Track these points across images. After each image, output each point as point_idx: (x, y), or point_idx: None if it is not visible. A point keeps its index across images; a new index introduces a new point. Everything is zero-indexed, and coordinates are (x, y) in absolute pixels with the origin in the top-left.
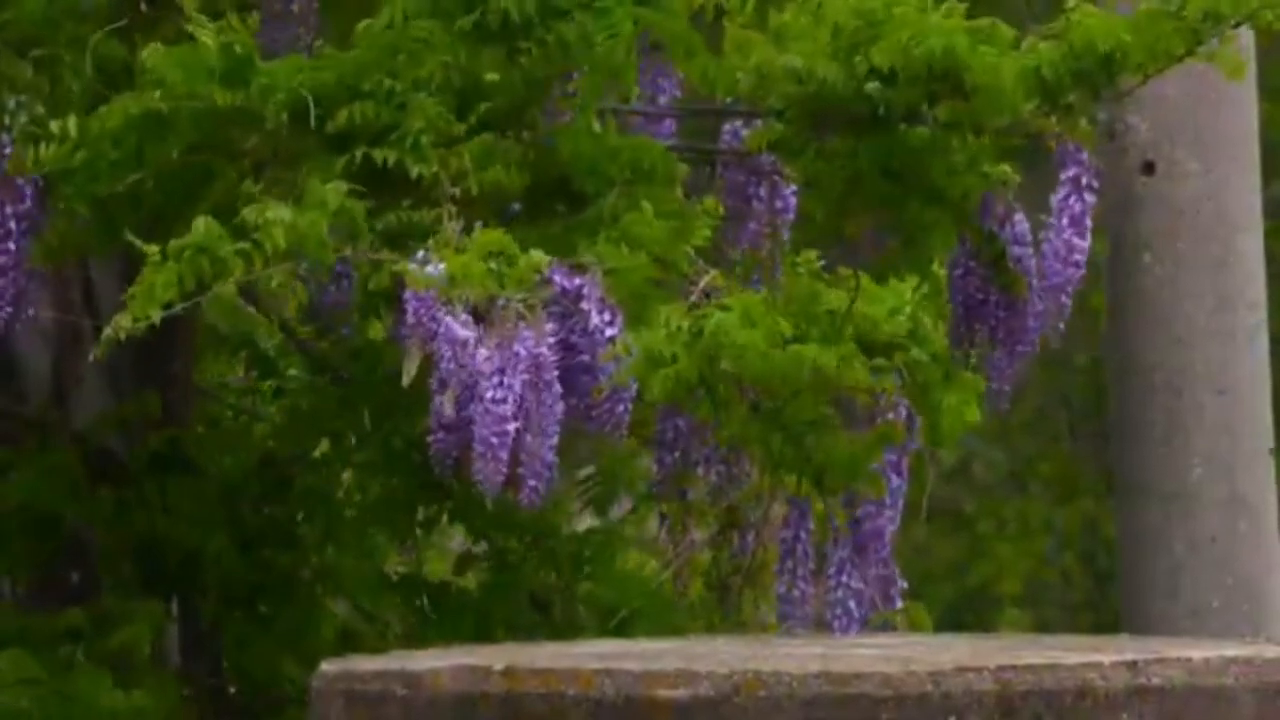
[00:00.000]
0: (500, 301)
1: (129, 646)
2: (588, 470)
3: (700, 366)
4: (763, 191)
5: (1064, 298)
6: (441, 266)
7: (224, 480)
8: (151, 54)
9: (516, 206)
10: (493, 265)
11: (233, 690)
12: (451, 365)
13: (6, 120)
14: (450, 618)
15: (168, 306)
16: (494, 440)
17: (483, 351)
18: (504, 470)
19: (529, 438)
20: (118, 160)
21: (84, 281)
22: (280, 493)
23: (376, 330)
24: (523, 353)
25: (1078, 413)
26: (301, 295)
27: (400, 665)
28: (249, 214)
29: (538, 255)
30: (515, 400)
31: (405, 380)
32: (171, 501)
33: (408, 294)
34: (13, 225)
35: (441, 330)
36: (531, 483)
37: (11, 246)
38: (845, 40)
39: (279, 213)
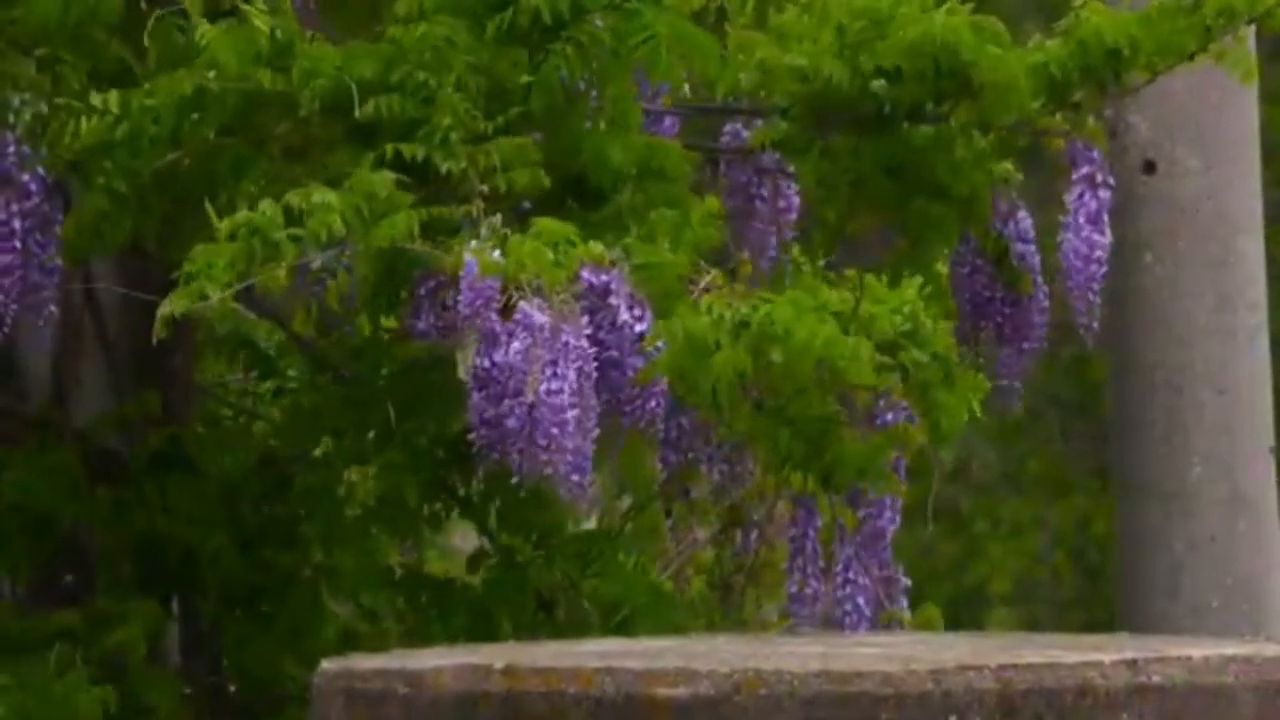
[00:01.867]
0: (540, 297)
1: (124, 647)
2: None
3: (749, 357)
4: (765, 190)
5: (1091, 295)
6: (497, 254)
7: (224, 479)
8: (208, 34)
9: (527, 205)
10: (552, 255)
11: (233, 689)
12: (517, 354)
13: (10, 119)
14: (453, 615)
15: (226, 287)
16: (555, 431)
17: (542, 341)
18: (566, 462)
19: (576, 431)
20: (156, 137)
21: (85, 281)
22: (281, 492)
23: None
24: (573, 343)
25: (1069, 411)
26: (343, 282)
27: (401, 664)
28: (294, 198)
29: (596, 247)
30: (571, 391)
31: (461, 372)
32: (172, 501)
33: (465, 283)
34: (18, 224)
35: (515, 317)
36: (576, 477)
37: (17, 245)
38: (850, 39)
39: (328, 198)
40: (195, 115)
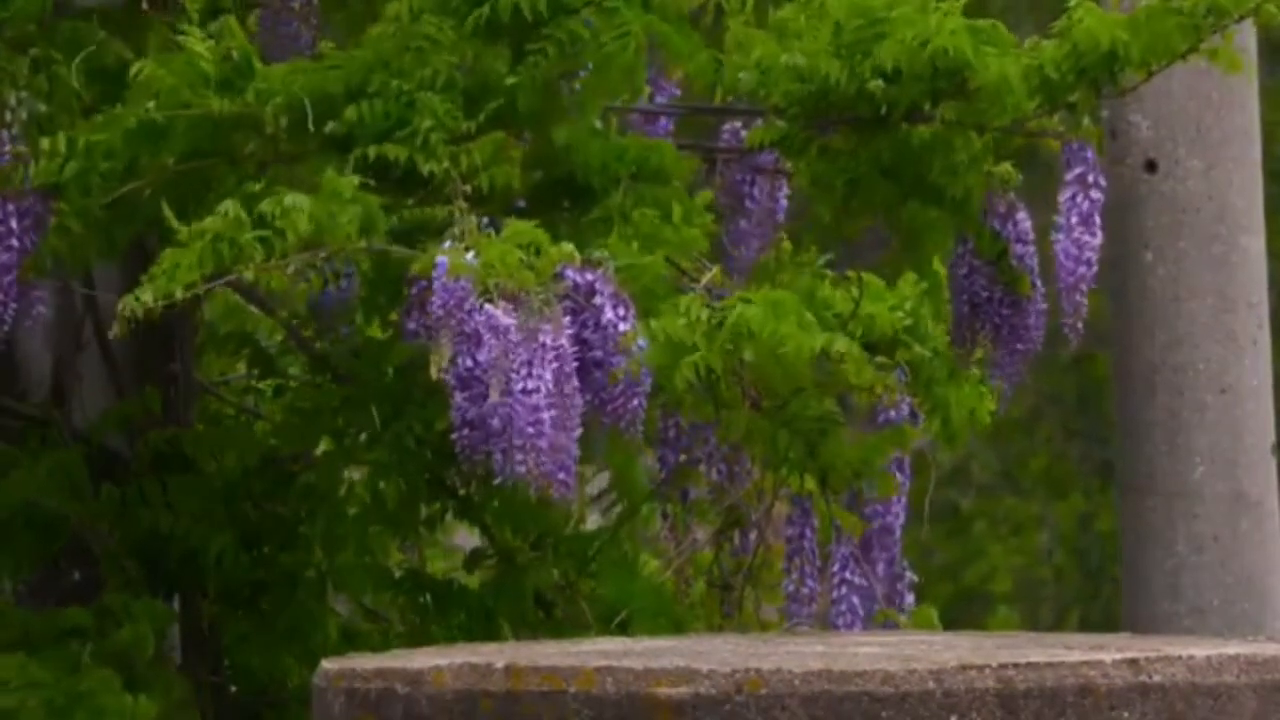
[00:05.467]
0: (521, 294)
1: (133, 645)
2: (603, 485)
3: (721, 357)
4: (757, 189)
5: (1079, 296)
6: (471, 255)
7: (226, 478)
8: (145, 67)
9: (521, 203)
10: (524, 256)
11: (234, 689)
12: (491, 354)
13: (7, 117)
14: (453, 615)
15: (188, 288)
16: (530, 430)
17: (516, 341)
18: (544, 461)
19: (557, 431)
20: (108, 171)
21: (85, 280)
22: (282, 491)
23: (375, 329)
24: (549, 343)
25: (1069, 410)
26: (317, 284)
27: (402, 663)
28: (266, 205)
29: (567, 247)
30: (547, 391)
31: (434, 373)
32: (173, 499)
33: (438, 284)
34: (14, 224)
35: (482, 318)
36: (561, 476)
37: (14, 244)
38: (847, 39)
39: (298, 201)
40: (153, 145)
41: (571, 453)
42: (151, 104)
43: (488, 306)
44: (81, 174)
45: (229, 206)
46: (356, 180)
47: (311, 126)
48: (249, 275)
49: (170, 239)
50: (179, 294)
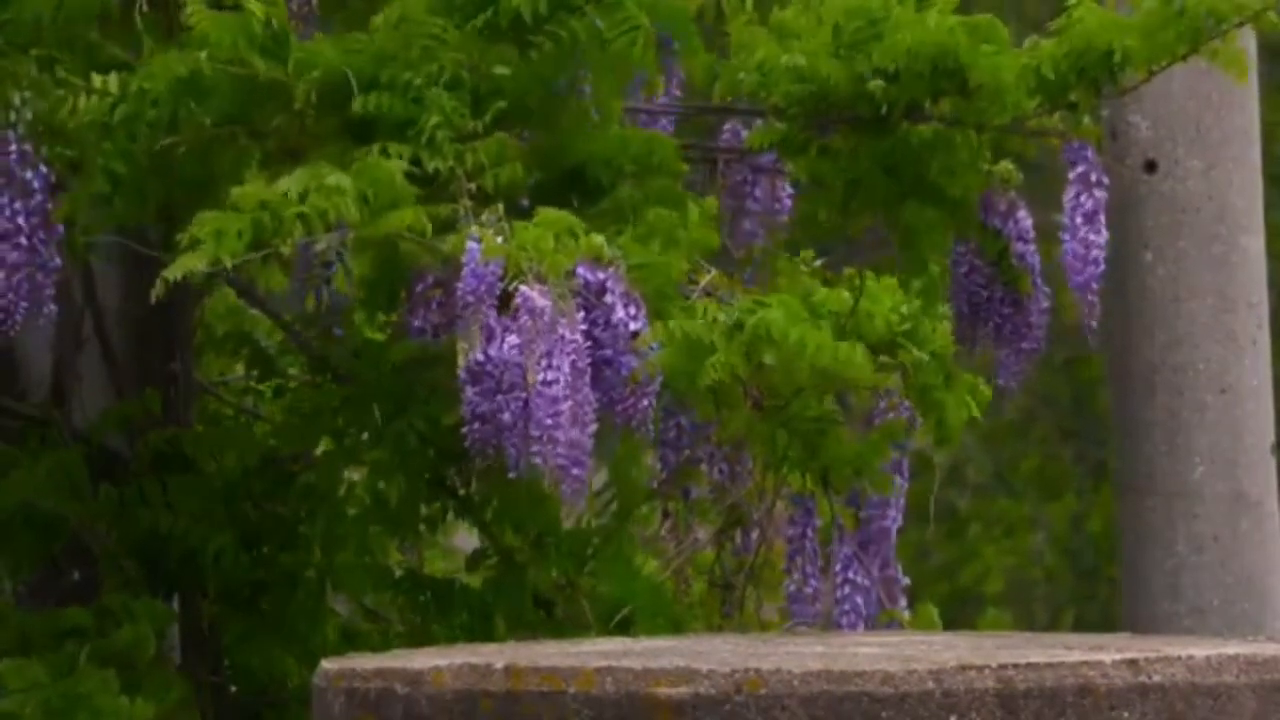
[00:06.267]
0: (539, 287)
1: (133, 646)
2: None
3: (741, 360)
4: (760, 189)
5: (1090, 295)
6: (500, 241)
7: (226, 478)
8: (197, 15)
9: (525, 202)
10: (553, 243)
11: (234, 689)
12: (521, 338)
13: (12, 117)
14: (453, 615)
15: (234, 257)
16: (548, 422)
17: (543, 329)
18: (560, 455)
19: (573, 425)
20: (154, 121)
21: (85, 279)
22: (282, 491)
23: (374, 330)
24: (568, 336)
25: (1062, 411)
26: (345, 276)
27: (402, 663)
28: (301, 175)
29: (597, 239)
30: (565, 383)
31: (461, 362)
32: (173, 499)
33: (468, 269)
34: (22, 221)
35: (518, 300)
36: (576, 471)
37: (23, 242)
38: (847, 39)
39: (340, 180)
40: (192, 102)
41: (586, 449)
42: (203, 54)
43: (523, 287)
44: (129, 119)
45: (283, 182)
46: (402, 166)
47: (356, 103)
48: (285, 250)
49: (172, 234)
50: (229, 261)
